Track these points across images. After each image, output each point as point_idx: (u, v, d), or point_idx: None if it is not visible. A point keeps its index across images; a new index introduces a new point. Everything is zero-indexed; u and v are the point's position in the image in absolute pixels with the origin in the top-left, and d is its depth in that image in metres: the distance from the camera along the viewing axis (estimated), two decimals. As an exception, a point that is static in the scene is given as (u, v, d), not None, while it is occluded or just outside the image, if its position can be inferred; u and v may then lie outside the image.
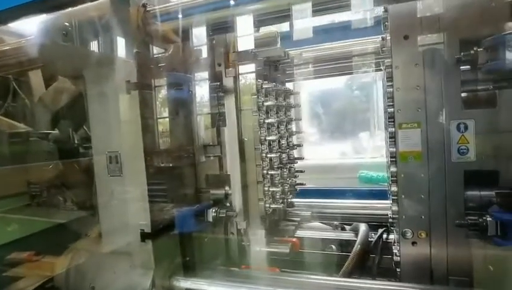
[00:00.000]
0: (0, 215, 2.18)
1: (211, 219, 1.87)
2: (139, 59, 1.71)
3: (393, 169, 1.57)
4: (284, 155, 1.99)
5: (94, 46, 1.76)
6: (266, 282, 1.68)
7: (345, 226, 2.53)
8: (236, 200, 1.91)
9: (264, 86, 1.91)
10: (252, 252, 1.98)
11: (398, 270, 1.60)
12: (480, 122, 1.41)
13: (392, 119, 1.55)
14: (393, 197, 1.59)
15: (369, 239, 2.11)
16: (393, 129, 1.55)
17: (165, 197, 1.84)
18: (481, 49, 1.33)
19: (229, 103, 1.92)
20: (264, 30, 2.07)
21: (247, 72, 1.92)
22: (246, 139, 1.92)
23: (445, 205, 1.47)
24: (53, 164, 2.46)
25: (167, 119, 1.90)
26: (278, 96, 2.02)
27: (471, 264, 1.45)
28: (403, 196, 1.55)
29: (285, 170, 2.00)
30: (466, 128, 1.42)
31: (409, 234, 1.54)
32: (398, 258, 1.59)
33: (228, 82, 1.92)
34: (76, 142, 2.63)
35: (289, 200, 2.11)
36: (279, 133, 2.03)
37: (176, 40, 1.91)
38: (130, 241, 1.66)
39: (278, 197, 2.00)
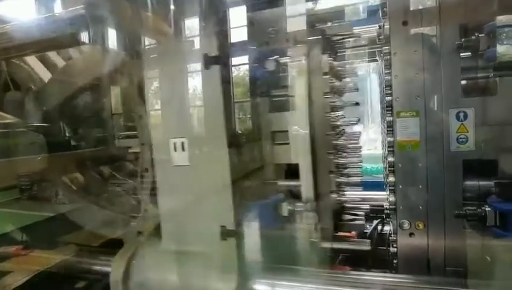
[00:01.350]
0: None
1: (286, 214, 1.70)
2: (219, 30, 1.48)
3: (390, 159, 1.53)
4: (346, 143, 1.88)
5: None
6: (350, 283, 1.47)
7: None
8: (306, 192, 1.69)
9: (335, 65, 1.75)
10: (326, 250, 1.78)
11: (394, 261, 1.58)
12: (479, 110, 1.38)
13: (390, 108, 1.51)
14: (390, 188, 1.56)
15: (364, 231, 2.09)
16: (391, 118, 1.51)
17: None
18: (483, 34, 1.29)
19: (298, 84, 1.68)
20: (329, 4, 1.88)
21: (316, 51, 1.71)
22: (315, 124, 1.71)
23: (444, 195, 1.45)
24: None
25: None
26: (343, 78, 1.87)
27: (469, 254, 1.43)
28: (400, 186, 1.52)
29: (351, 159, 1.90)
30: (465, 116, 1.39)
31: (406, 225, 1.51)
32: (395, 249, 1.56)
33: (297, 61, 1.70)
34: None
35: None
36: (343, 117, 1.89)
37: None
38: (208, 240, 1.48)
39: (345, 188, 1.90)
